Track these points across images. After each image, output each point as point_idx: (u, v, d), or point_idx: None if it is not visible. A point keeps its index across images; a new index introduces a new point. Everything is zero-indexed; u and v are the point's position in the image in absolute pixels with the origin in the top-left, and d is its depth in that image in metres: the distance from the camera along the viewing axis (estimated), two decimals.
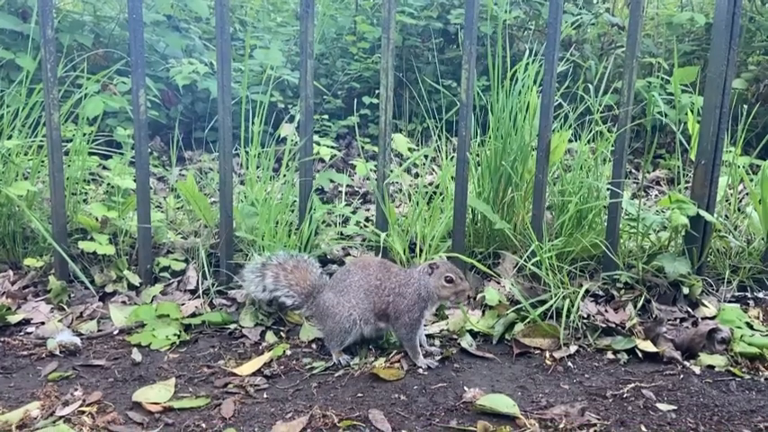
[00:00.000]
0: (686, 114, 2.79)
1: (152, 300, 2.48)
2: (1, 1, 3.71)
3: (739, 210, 3.08)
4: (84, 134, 2.92)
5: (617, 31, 4.75)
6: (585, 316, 2.34)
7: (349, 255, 2.82)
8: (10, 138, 2.75)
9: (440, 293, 2.12)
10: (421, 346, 2.16)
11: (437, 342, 2.27)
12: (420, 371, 2.06)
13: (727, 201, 3.07)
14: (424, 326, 2.25)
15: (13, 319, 2.32)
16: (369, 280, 2.15)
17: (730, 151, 3.06)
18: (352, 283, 2.15)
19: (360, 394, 1.92)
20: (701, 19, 4.23)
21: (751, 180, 3.09)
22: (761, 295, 2.59)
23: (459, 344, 2.24)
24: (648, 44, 4.67)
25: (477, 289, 2.54)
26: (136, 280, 2.54)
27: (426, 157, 3.38)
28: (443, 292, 2.11)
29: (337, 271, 2.28)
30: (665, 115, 2.98)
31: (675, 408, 1.89)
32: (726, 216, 3.00)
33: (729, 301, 2.53)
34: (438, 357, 2.14)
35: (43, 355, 2.13)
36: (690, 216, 2.47)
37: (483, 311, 2.43)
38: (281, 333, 2.32)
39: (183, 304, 2.45)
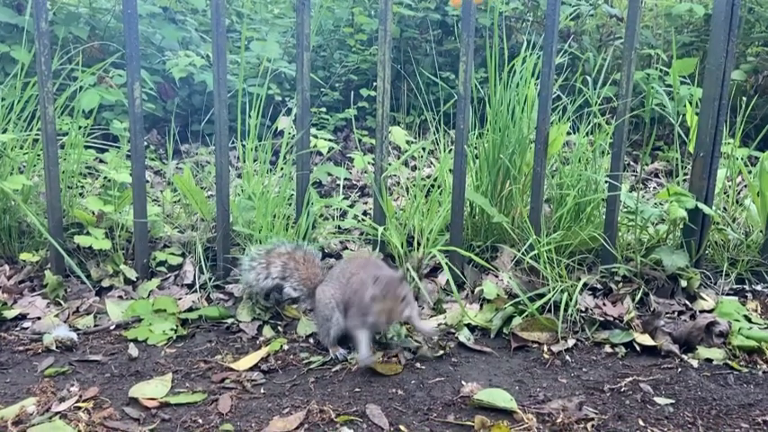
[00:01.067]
0: (685, 106, 2.78)
1: (149, 294, 2.48)
2: None
3: (737, 202, 3.07)
4: (80, 127, 2.90)
5: (615, 23, 4.73)
6: (583, 309, 2.33)
7: (347, 249, 2.81)
8: (5, 131, 2.73)
9: (370, 311, 1.96)
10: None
11: (434, 336, 2.26)
12: (416, 365, 2.06)
13: (725, 193, 3.06)
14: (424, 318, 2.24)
15: (9, 314, 2.32)
16: (345, 272, 2.15)
17: (729, 143, 3.05)
18: (334, 273, 2.19)
19: (357, 389, 1.92)
20: (700, 10, 4.21)
21: (749, 172, 3.08)
22: (759, 288, 2.59)
23: (456, 338, 2.24)
24: (647, 35, 4.65)
25: (475, 282, 2.53)
26: (132, 274, 2.53)
27: (424, 149, 3.37)
28: (372, 309, 1.95)
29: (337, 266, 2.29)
30: (663, 108, 2.96)
31: (673, 401, 1.89)
32: (724, 208, 2.99)
33: (727, 294, 2.53)
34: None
35: (39, 351, 2.12)
36: (688, 209, 2.46)
37: (481, 305, 2.42)
38: (279, 327, 2.32)
39: (179, 299, 2.44)
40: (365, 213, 3.15)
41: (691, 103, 2.76)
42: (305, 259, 2.30)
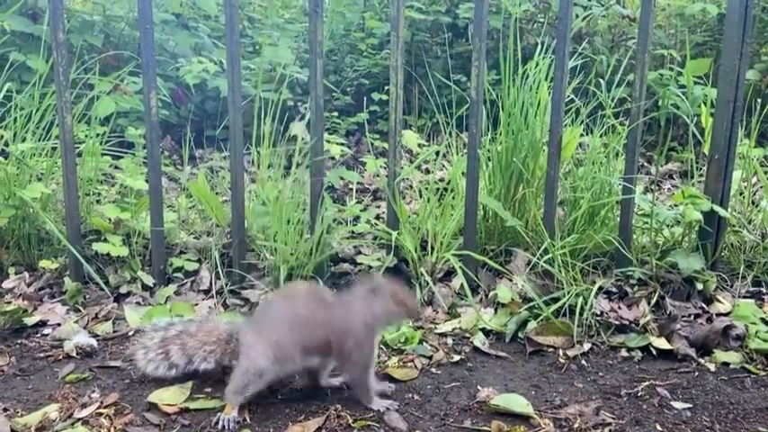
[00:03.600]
0: (699, 107, 2.77)
1: (166, 300, 2.50)
2: (17, 5, 3.73)
3: (753, 203, 3.05)
4: (97, 134, 2.94)
5: (628, 23, 4.71)
6: (599, 313, 2.33)
7: (360, 253, 2.83)
8: (24, 140, 2.77)
9: (389, 317, 1.83)
10: None
11: (449, 341, 2.27)
12: (432, 370, 2.06)
13: (740, 194, 3.04)
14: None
15: (30, 320, 2.35)
16: (296, 311, 1.83)
17: (744, 144, 3.03)
18: (272, 317, 1.86)
19: None
20: (714, 9, 4.18)
21: (765, 173, 3.05)
22: None
23: (471, 342, 2.25)
24: (660, 35, 4.63)
25: (489, 286, 2.54)
26: (150, 281, 2.56)
27: (437, 153, 3.38)
28: (393, 314, 1.82)
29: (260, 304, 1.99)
30: (676, 107, 2.95)
31: (690, 406, 1.88)
32: (739, 210, 2.97)
33: (744, 297, 2.51)
34: (390, 393, 1.92)
35: (60, 357, 2.15)
36: (703, 211, 2.45)
37: (495, 309, 2.42)
38: None
39: (196, 304, 2.47)
40: (378, 217, 3.16)
41: (705, 104, 2.75)
42: (199, 328, 1.98)
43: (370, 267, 2.66)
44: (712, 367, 2.09)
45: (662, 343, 2.18)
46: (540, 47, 2.82)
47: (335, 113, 4.37)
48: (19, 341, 2.25)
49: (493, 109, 2.97)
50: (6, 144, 2.74)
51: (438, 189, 2.83)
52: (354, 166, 4.12)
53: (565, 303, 2.30)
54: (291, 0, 5.96)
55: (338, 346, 1.80)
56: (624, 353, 2.18)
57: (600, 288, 2.41)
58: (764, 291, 2.56)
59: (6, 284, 2.57)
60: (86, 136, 2.94)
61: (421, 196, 3.02)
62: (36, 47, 3.62)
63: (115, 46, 4.17)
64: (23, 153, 2.72)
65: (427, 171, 3.68)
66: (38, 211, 2.62)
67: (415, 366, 2.09)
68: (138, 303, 2.49)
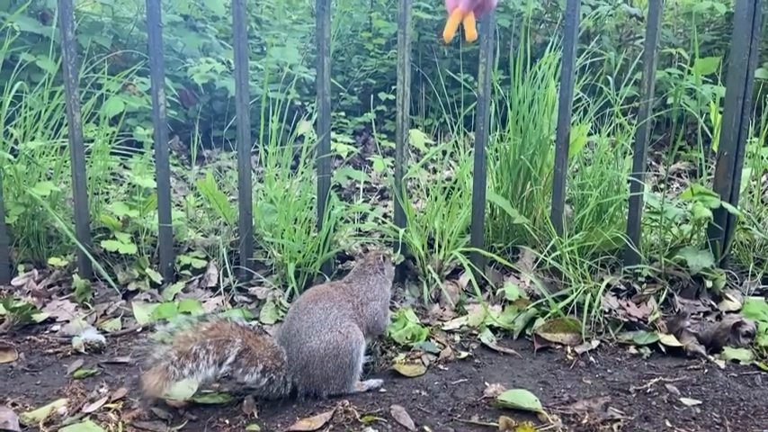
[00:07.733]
0: (708, 105, 2.75)
1: (174, 297, 2.51)
2: (25, 5, 3.76)
3: (763, 201, 3.03)
4: (106, 134, 2.95)
5: (635, 22, 4.69)
6: (607, 310, 2.32)
7: (368, 251, 2.82)
8: (33, 139, 2.79)
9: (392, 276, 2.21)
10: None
11: (457, 338, 2.26)
12: (439, 366, 2.06)
13: (750, 192, 3.02)
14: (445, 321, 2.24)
15: (39, 317, 2.36)
16: (342, 305, 1.94)
17: (753, 142, 3.01)
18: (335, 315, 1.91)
19: (381, 390, 1.93)
20: (722, 8, 4.16)
21: None
22: None
23: (479, 339, 2.24)
24: (668, 34, 4.61)
25: (497, 284, 2.53)
26: (158, 278, 2.57)
27: (444, 152, 3.37)
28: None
29: (295, 318, 1.92)
30: (686, 106, 2.93)
31: (700, 402, 1.87)
32: (749, 209, 2.95)
33: (754, 294, 2.50)
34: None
35: (69, 353, 2.16)
36: (713, 208, 2.44)
37: (503, 306, 2.42)
38: None
39: (204, 301, 2.47)
40: (385, 216, 3.16)
41: (714, 102, 2.73)
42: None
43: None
44: (722, 364, 2.08)
45: (671, 340, 2.17)
46: (548, 45, 2.81)
47: (343, 113, 4.37)
48: (28, 338, 2.27)
49: (501, 108, 2.97)
50: (16, 142, 2.76)
51: (445, 188, 2.83)
52: (361, 166, 4.12)
53: (573, 301, 2.29)
54: (299, 1, 5.98)
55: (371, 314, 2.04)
56: (633, 350, 2.17)
57: (608, 285, 2.40)
58: None
59: (16, 281, 2.59)
60: (95, 135, 2.96)
61: (428, 195, 3.02)
62: (45, 47, 3.64)
63: (124, 47, 4.20)
64: (33, 151, 2.73)
65: (434, 171, 3.67)
66: (47, 208, 2.63)
67: (423, 363, 2.08)
68: (146, 300, 2.50)
